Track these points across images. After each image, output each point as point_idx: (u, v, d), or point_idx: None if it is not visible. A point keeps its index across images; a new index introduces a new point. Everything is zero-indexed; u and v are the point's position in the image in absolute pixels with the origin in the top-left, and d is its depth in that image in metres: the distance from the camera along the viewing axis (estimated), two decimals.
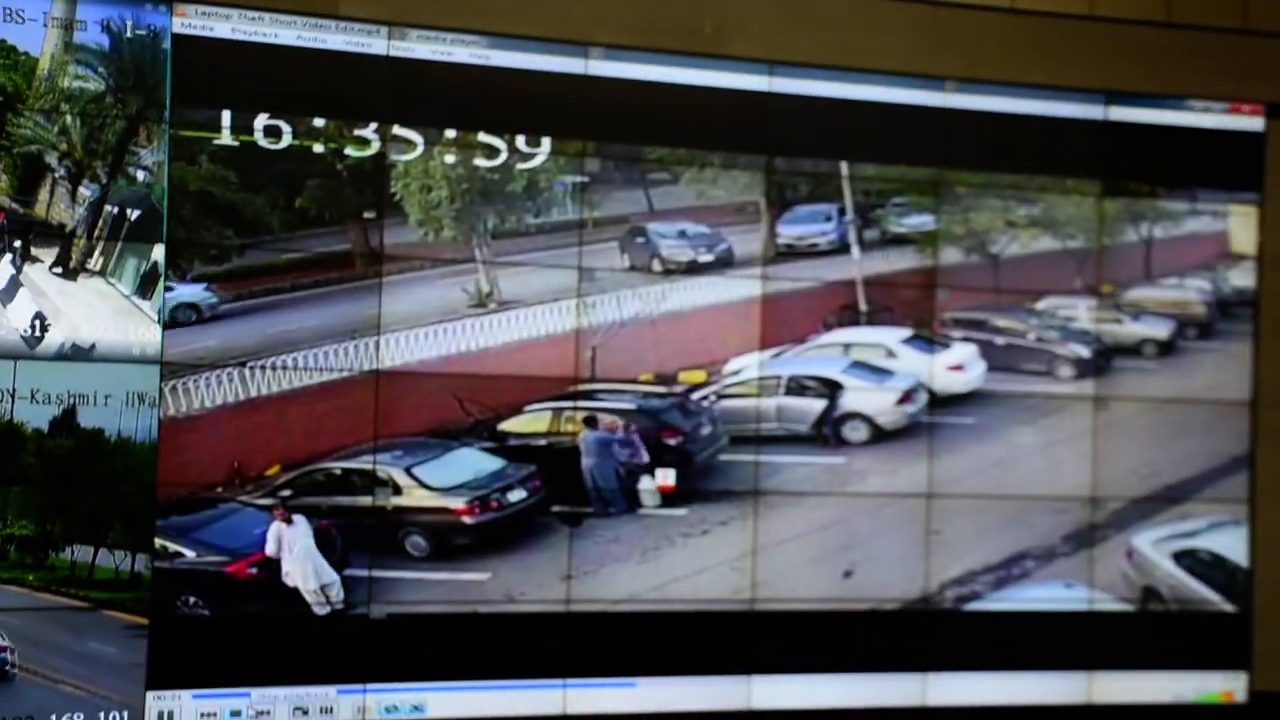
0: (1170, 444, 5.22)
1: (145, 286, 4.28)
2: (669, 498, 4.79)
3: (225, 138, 4.36)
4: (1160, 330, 5.28)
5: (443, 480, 4.61)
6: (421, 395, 4.57)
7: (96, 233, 4.23)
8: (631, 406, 4.78)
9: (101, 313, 4.20)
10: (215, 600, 4.36)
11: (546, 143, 4.67)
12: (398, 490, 4.53)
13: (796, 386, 4.93)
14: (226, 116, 4.36)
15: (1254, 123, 5.23)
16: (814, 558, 4.88)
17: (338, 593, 4.45)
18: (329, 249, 4.49)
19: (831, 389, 4.96)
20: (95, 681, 4.16)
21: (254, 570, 4.40)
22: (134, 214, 4.27)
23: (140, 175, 4.27)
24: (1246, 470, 5.25)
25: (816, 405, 4.95)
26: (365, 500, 4.49)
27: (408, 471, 4.55)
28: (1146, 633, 5.16)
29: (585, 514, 4.69)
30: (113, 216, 4.25)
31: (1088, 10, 5.09)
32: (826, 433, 4.89)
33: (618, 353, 4.74)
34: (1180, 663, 5.16)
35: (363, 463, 4.50)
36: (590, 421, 4.67)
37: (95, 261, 4.24)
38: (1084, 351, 5.18)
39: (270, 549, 4.42)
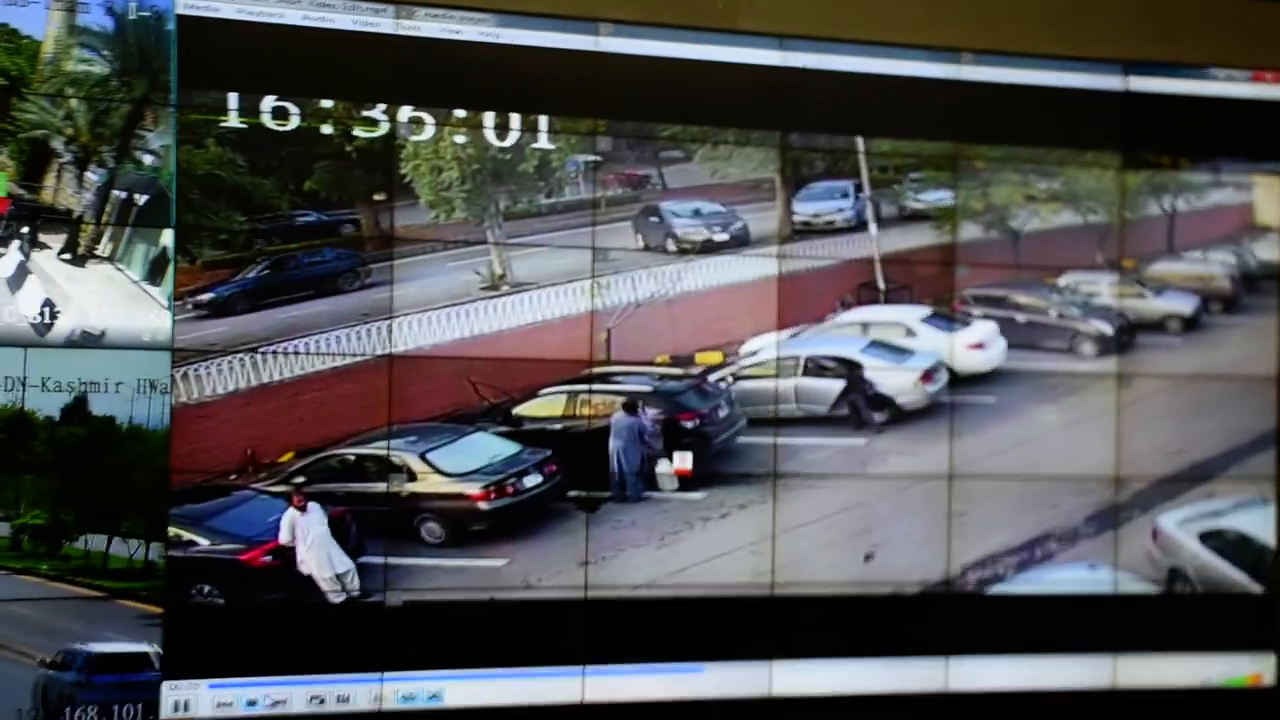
0: (1195, 421, 5.23)
1: (155, 272, 4.32)
2: (686, 481, 4.82)
3: (232, 120, 4.40)
4: (1184, 305, 5.28)
5: (458, 466, 4.64)
6: (435, 380, 4.59)
7: (104, 218, 4.27)
8: (648, 388, 4.81)
9: (111, 299, 4.24)
10: (230, 589, 4.40)
11: (551, 121, 4.73)
12: (412, 476, 4.56)
13: (815, 367, 4.95)
14: (233, 99, 4.40)
15: (1278, 91, 5.26)
16: (834, 541, 4.90)
17: (353, 580, 4.49)
18: (340, 232, 4.54)
19: (851, 369, 4.99)
20: None
21: (268, 558, 4.44)
22: (142, 199, 4.31)
23: (147, 159, 4.31)
24: (1273, 447, 5.27)
25: (836, 386, 4.97)
26: (380, 487, 4.52)
27: (422, 457, 4.58)
28: (1172, 615, 5.18)
29: (602, 499, 4.72)
30: (120, 201, 4.28)
31: None
32: (861, 411, 4.90)
33: (633, 334, 4.76)
34: (1207, 645, 5.17)
35: (377, 448, 4.52)
36: (630, 407, 4.70)
37: (104, 247, 4.28)
38: (1107, 328, 5.20)
39: (284, 537, 4.46)
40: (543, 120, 4.67)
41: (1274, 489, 5.27)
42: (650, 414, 4.76)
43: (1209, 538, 5.19)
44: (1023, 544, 5.09)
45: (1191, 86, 5.20)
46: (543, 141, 4.68)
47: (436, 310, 4.60)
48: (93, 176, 4.25)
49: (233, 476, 4.42)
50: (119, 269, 4.28)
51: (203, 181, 4.36)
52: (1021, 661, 5.05)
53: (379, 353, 4.52)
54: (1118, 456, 5.15)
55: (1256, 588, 5.24)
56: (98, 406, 4.19)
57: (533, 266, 4.71)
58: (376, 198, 4.54)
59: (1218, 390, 5.27)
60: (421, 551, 4.58)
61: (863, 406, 4.98)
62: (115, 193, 4.27)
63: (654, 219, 4.83)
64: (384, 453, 4.53)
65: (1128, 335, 5.22)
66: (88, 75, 4.24)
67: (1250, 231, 5.34)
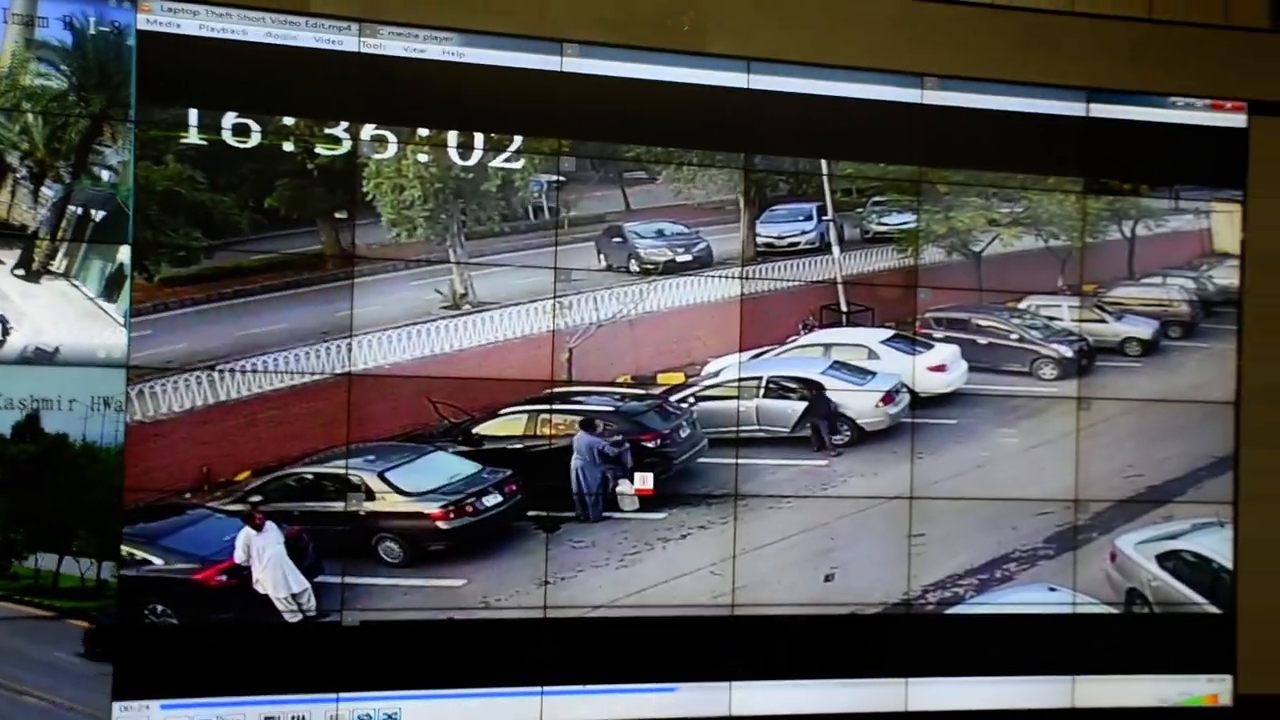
0: (1154, 445, 5.28)
1: (111, 288, 4.30)
2: (647, 501, 4.83)
3: (192, 136, 4.39)
4: (1143, 329, 5.35)
5: (417, 485, 4.64)
6: (394, 398, 4.60)
7: (60, 234, 4.24)
8: (609, 408, 4.83)
9: (65, 315, 4.23)
10: (184, 608, 4.38)
11: (520, 141, 4.76)
12: (371, 495, 4.56)
13: (777, 388, 4.99)
14: (194, 115, 4.39)
15: (1236, 119, 5.32)
16: (795, 562, 4.92)
17: (309, 600, 4.48)
18: (300, 250, 4.53)
19: (813, 390, 5.03)
20: (60, 692, 4.18)
21: (223, 578, 4.43)
22: (99, 215, 4.30)
23: (105, 175, 4.29)
24: (1230, 471, 5.33)
25: (797, 407, 5.01)
26: (338, 505, 4.52)
27: (381, 476, 4.59)
28: (1130, 636, 5.23)
29: (562, 519, 4.74)
30: (77, 217, 4.27)
31: (1069, 6, 5.17)
32: (823, 433, 4.95)
33: (595, 354, 4.78)
34: (1165, 666, 5.22)
35: (335, 467, 4.53)
36: (588, 425, 4.72)
37: (59, 263, 4.26)
38: (1067, 351, 5.25)
39: (239, 556, 4.44)
40: (504, 139, 4.69)
41: (1231, 512, 5.32)
42: (609, 437, 4.79)
43: (1167, 559, 5.25)
44: (982, 565, 5.13)
45: (1152, 114, 5.28)
46: (506, 161, 4.71)
47: (397, 329, 4.61)
48: (48, 192, 4.23)
49: (188, 495, 4.42)
50: (74, 285, 4.27)
51: (161, 198, 4.35)
52: (981, 682, 5.09)
53: (338, 371, 4.53)
54: (1078, 479, 5.21)
55: (1214, 609, 5.30)
56: (50, 424, 4.18)
57: (494, 286, 4.73)
58: (338, 215, 4.55)
59: (1176, 414, 5.33)
60: (379, 571, 4.58)
61: (824, 428, 5.03)
62: (71, 208, 4.27)
63: (617, 239, 4.87)
64: (342, 471, 4.54)
65: (1088, 359, 5.28)
66: (45, 89, 4.22)
67: (1209, 257, 5.41)
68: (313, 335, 4.52)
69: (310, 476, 4.52)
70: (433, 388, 4.65)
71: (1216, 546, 5.29)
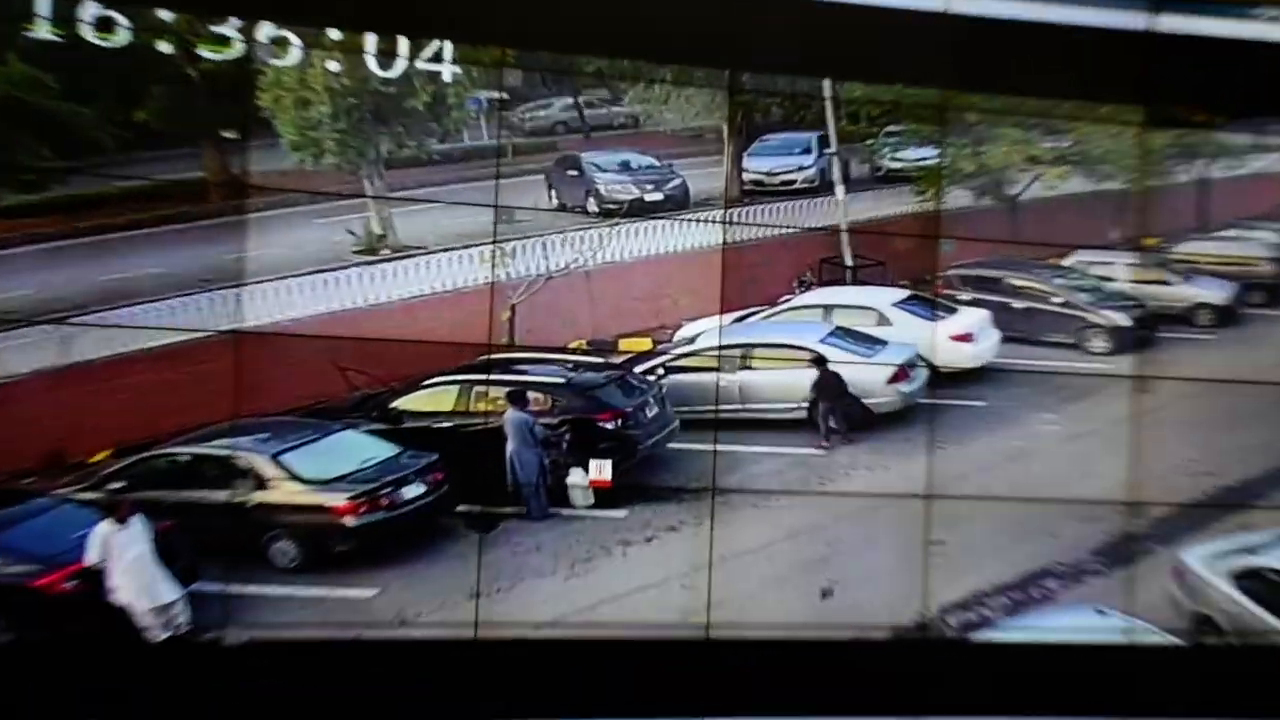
0: (1228, 435, 5.02)
1: None
2: (604, 495, 4.61)
3: (42, 30, 4.06)
4: (1217, 293, 5.16)
5: (319, 471, 4.41)
6: (294, 363, 4.42)
7: None
8: (560, 380, 4.63)
9: None
10: (19, 622, 4.07)
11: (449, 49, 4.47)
12: (261, 483, 4.33)
13: (766, 359, 4.79)
14: (44, 2, 4.05)
15: None
16: (785, 573, 4.67)
17: (181, 613, 4.19)
18: (178, 176, 4.32)
19: (812, 363, 4.81)
20: None
21: (71, 584, 4.10)
22: None
23: None
24: None
25: (792, 381, 4.79)
26: (220, 495, 4.30)
27: (274, 459, 4.35)
28: (1199, 671, 4.88)
29: (500, 516, 4.51)
30: None
31: None
32: (826, 416, 4.74)
33: (543, 313, 4.61)
34: (1241, 708, 4.86)
35: (218, 447, 4.31)
36: (516, 398, 4.52)
37: None
38: (1122, 319, 5.06)
39: (94, 557, 4.13)
40: (439, 47, 4.40)
41: None
42: (555, 414, 4.60)
43: (1245, 578, 4.90)
44: (1015, 581, 4.86)
45: (1230, 28, 4.96)
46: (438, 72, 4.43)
47: (298, 277, 4.46)
48: None
49: (30, 479, 4.19)
50: None
51: (0, 106, 4.06)
52: None
53: (224, 327, 4.30)
54: (1133, 476, 4.93)
55: None
56: None
57: (420, 226, 4.60)
58: (226, 135, 4.32)
59: (1258, 398, 5.06)
60: (271, 577, 4.34)
61: (827, 410, 4.80)
62: None
63: (572, 172, 4.74)
64: (227, 453, 4.31)
65: (1147, 328, 5.09)
66: None
67: None
68: (193, 282, 4.33)
69: (187, 458, 4.30)
70: (342, 351, 4.46)
71: None
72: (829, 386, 4.69)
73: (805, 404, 4.76)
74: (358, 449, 4.48)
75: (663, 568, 4.62)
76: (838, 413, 4.81)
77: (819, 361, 4.70)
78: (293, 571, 4.36)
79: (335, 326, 4.43)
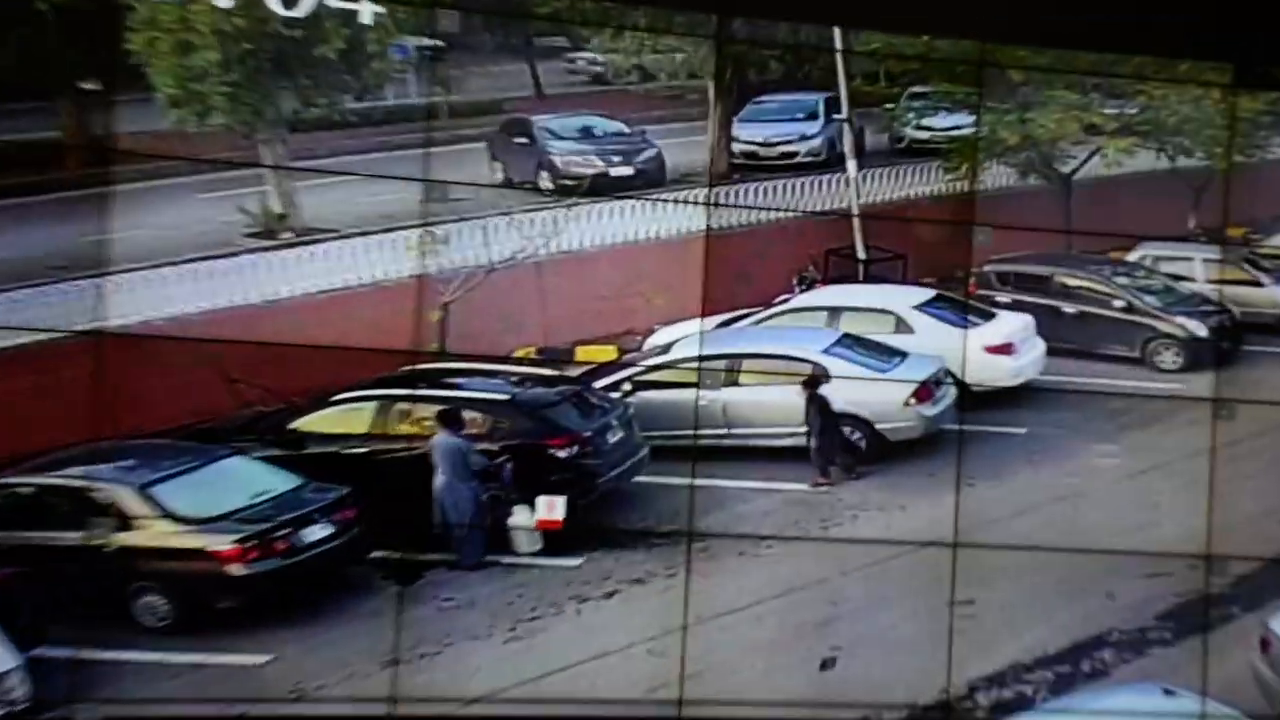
0: None
1: None
2: (555, 539, 4.24)
3: None
4: None
5: (198, 507, 4.03)
6: (171, 372, 4.04)
7: None
8: (502, 397, 4.22)
9: None
10: None
11: None
12: (126, 522, 3.93)
13: (757, 372, 4.39)
14: None
15: None
16: (777, 638, 4.26)
17: (19, 685, 3.75)
18: (26, 136, 3.93)
19: (813, 377, 4.40)
20: None
21: None
22: None
23: None
24: None
25: (789, 401, 4.35)
26: (73, 536, 3.90)
27: (142, 492, 3.95)
28: None
29: (425, 563, 4.15)
30: None
31: None
32: (829, 443, 4.34)
33: (483, 314, 4.24)
34: None
35: (71, 477, 3.93)
36: (448, 419, 4.12)
37: None
38: (1199, 327, 4.63)
39: None
40: None
41: None
42: (497, 440, 4.20)
43: None
44: (1062, 651, 4.41)
45: None
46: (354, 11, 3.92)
47: (176, 265, 4.03)
48: None
49: None
50: None
51: None
52: None
53: (81, 326, 3.89)
54: (1212, 524, 4.50)
55: None
56: None
57: (332, 204, 4.18)
58: (86, 86, 3.93)
59: None
60: (136, 639, 3.93)
61: (828, 435, 4.37)
62: None
63: (521, 140, 4.27)
64: (82, 484, 3.90)
65: (1232, 339, 4.66)
66: None
67: None
68: (42, 270, 3.97)
69: (30, 490, 3.92)
70: (231, 357, 4.06)
71: None
72: (821, 400, 4.35)
73: (803, 429, 4.39)
74: (248, 480, 4.11)
75: (626, 630, 4.25)
76: (832, 438, 4.41)
77: (811, 384, 4.30)
78: (163, 632, 4.00)
79: (222, 327, 4.04)
